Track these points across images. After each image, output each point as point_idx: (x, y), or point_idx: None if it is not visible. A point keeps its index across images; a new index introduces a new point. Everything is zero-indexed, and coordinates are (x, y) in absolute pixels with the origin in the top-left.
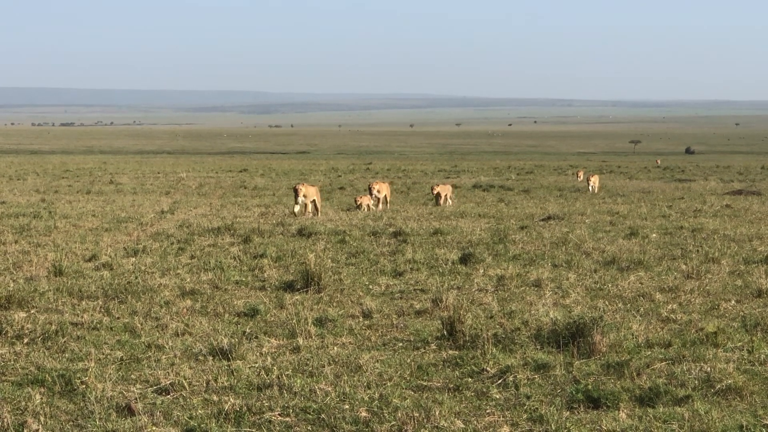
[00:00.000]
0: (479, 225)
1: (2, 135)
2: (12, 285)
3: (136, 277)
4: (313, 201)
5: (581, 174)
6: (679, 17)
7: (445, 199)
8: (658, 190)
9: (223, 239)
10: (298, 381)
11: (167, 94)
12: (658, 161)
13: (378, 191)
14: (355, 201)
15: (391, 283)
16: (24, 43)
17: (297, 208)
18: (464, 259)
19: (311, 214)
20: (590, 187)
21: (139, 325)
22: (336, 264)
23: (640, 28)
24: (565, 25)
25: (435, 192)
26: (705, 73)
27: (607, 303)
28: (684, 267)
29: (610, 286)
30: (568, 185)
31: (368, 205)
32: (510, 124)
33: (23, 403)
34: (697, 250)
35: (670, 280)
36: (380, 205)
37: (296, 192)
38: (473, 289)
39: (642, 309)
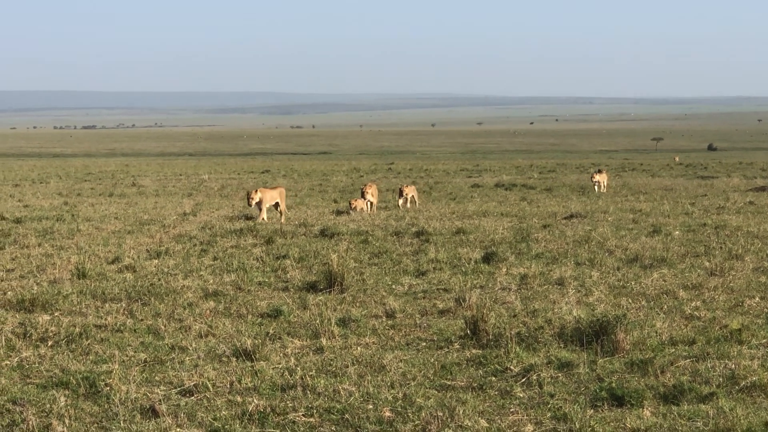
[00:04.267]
0: (502, 224)
1: (25, 138)
2: (36, 288)
3: (159, 279)
4: (276, 204)
5: (602, 173)
6: (701, 14)
7: (412, 199)
8: (680, 187)
9: (245, 240)
10: (322, 381)
11: (188, 95)
12: (677, 158)
13: (372, 195)
14: (350, 204)
15: (414, 283)
16: (45, 47)
17: (263, 216)
18: (487, 258)
19: (261, 219)
20: (596, 186)
21: (162, 327)
22: (359, 264)
23: (661, 25)
24: (587, 22)
25: (405, 193)
26: (727, 70)
27: (630, 301)
28: (707, 264)
29: (633, 283)
30: (591, 184)
31: (362, 209)
32: (532, 123)
33: (48, 406)
34: (721, 247)
35: (694, 277)
36: (366, 208)
37: (248, 198)
38: (496, 288)
39: (665, 306)
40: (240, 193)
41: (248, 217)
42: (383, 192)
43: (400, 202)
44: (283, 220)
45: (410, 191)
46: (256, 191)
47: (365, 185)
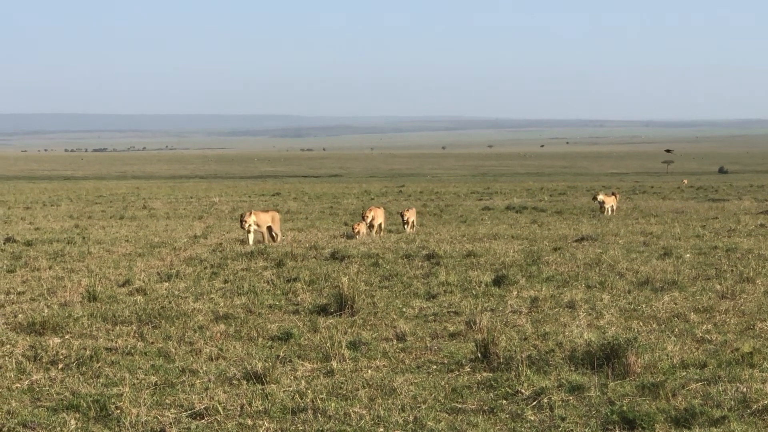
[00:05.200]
0: (512, 247)
1: (36, 161)
2: (46, 311)
3: (170, 302)
4: (269, 228)
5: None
6: (713, 37)
7: (412, 223)
8: (691, 210)
9: (256, 263)
10: (333, 404)
11: (199, 118)
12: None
13: (374, 218)
14: (353, 228)
15: (425, 306)
16: (56, 70)
17: (251, 238)
18: (498, 281)
19: (268, 242)
20: (603, 209)
21: (173, 350)
22: (369, 287)
23: (671, 47)
24: (597, 45)
25: (406, 217)
26: (738, 92)
27: (641, 324)
28: (718, 287)
29: (644, 306)
30: (595, 204)
31: (363, 232)
32: (542, 146)
33: (59, 429)
34: (732, 270)
35: (705, 300)
36: (374, 232)
37: (242, 221)
38: (507, 311)
39: (676, 329)
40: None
41: (258, 240)
42: (393, 215)
43: (407, 228)
44: (278, 241)
45: (411, 215)
46: (250, 214)
47: (366, 209)
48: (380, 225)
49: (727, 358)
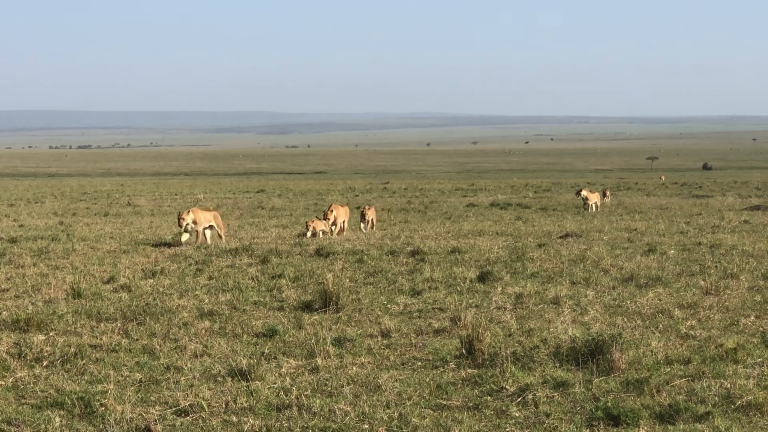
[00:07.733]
0: (497, 243)
1: (20, 158)
2: (31, 308)
3: (155, 299)
4: (210, 226)
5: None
6: (695, 34)
7: (372, 221)
8: (675, 206)
9: (240, 260)
10: (318, 401)
11: (184, 115)
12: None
13: (336, 216)
14: (306, 226)
15: (410, 302)
16: (41, 67)
17: (185, 237)
18: (482, 278)
19: (208, 241)
20: (587, 205)
21: (157, 347)
22: (354, 284)
23: (655, 44)
24: (582, 42)
25: (368, 216)
26: (722, 89)
27: (625, 320)
28: (703, 283)
29: (628, 302)
30: (578, 199)
31: (322, 231)
32: (527, 142)
33: (43, 426)
34: (716, 266)
35: (689, 296)
36: (335, 232)
37: (179, 219)
38: (492, 308)
39: (661, 326)
40: (235, 213)
41: (192, 240)
42: (377, 212)
43: (362, 225)
44: (223, 241)
45: (372, 214)
46: (188, 212)
47: (329, 207)
48: (343, 223)
49: (711, 354)
